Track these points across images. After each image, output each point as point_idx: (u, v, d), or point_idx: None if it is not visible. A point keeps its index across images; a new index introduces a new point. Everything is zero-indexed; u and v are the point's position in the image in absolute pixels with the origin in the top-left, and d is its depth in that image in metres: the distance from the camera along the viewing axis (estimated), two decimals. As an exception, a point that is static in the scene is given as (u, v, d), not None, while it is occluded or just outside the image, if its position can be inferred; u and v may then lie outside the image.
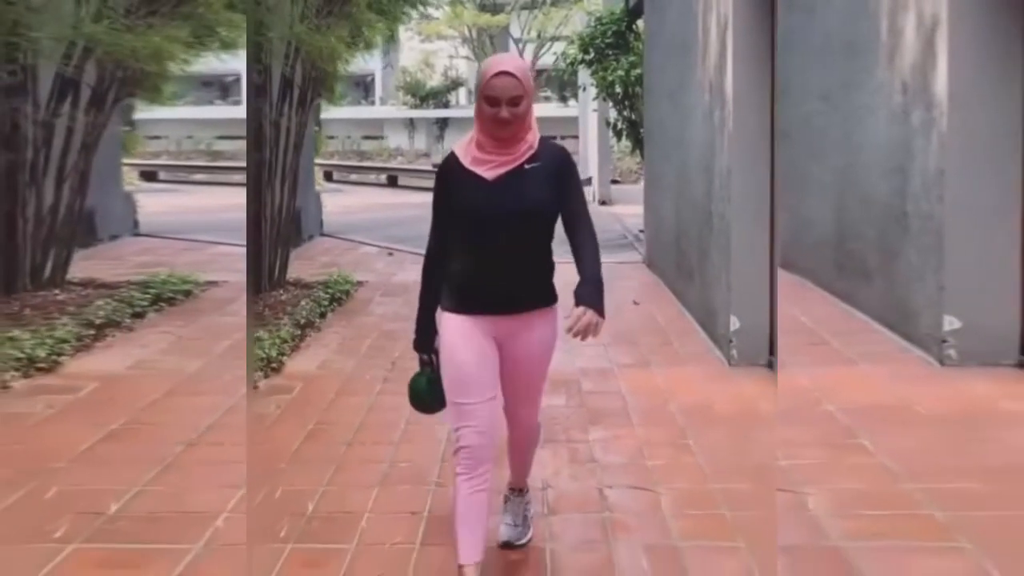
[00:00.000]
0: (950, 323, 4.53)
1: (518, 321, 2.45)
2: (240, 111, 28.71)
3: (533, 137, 2.35)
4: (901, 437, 3.63)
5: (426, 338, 2.50)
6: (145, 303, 6.13)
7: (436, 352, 2.49)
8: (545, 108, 29.87)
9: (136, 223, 10.17)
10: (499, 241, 2.35)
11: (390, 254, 8.93)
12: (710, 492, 3.18)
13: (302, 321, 5.60)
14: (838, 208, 6.12)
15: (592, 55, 9.86)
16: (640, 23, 9.59)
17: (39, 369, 4.67)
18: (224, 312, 6.29)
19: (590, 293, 2.28)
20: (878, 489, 3.14)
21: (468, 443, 2.35)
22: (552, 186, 2.36)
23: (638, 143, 10.13)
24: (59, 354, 4.87)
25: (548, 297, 2.50)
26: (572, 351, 5.13)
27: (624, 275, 7.66)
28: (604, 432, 3.83)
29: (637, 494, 3.18)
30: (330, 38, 6.91)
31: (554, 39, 29.28)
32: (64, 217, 6.82)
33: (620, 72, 9.18)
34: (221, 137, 26.37)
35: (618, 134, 10.49)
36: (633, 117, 9.99)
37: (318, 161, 13.23)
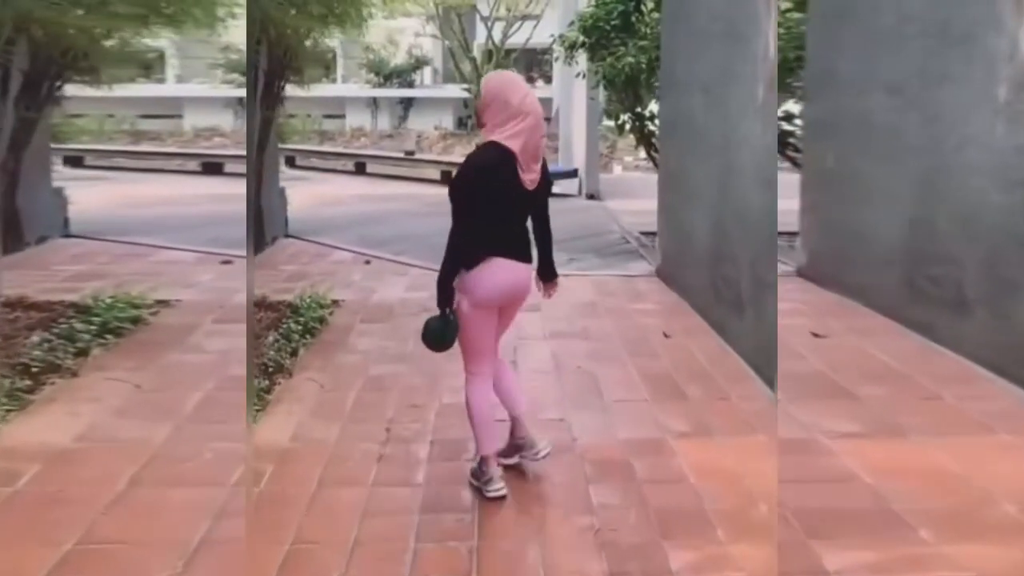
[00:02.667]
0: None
1: None
2: (165, 90, 27.12)
3: (482, 140, 3.13)
4: None
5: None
6: (88, 337, 4.99)
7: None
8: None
9: (67, 222, 8.87)
10: None
11: (367, 262, 7.81)
12: None
13: (270, 366, 4.52)
14: (914, 220, 5.18)
15: (594, 39, 8.78)
16: (648, 2, 8.55)
17: (-34, 439, 3.55)
18: (185, 347, 5.12)
19: None
20: None
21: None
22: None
23: (644, 138, 9.11)
24: (-8, 419, 3.74)
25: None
26: (608, 409, 4.16)
27: (640, 294, 6.67)
28: (687, 554, 2.83)
29: None
30: (303, 15, 5.80)
31: (524, 18, 28.14)
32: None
33: (630, 58, 8.12)
34: (144, 116, 24.77)
35: (620, 127, 9.43)
36: (639, 108, 8.94)
37: (280, 146, 12.01)
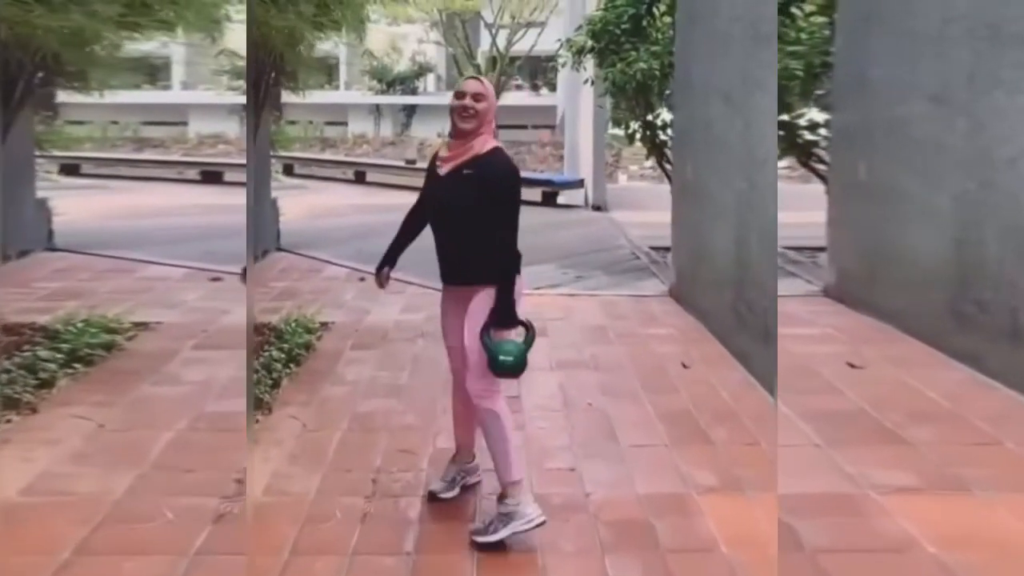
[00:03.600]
0: None
1: (461, 292, 2.99)
2: (168, 96, 26.78)
3: (480, 146, 2.89)
4: None
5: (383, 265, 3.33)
6: (54, 366, 4.53)
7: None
8: (516, 96, 28.39)
9: (51, 234, 8.47)
10: (441, 226, 3.00)
11: (362, 279, 7.35)
12: None
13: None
14: (959, 239, 4.72)
15: (603, 44, 8.34)
16: (660, 5, 8.12)
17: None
18: (159, 378, 4.64)
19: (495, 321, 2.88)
20: None
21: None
22: (475, 192, 2.85)
23: (655, 147, 8.66)
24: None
25: (479, 277, 2.92)
26: (624, 456, 3.70)
27: (653, 317, 6.20)
28: (725, 651, 2.38)
29: None
30: (292, 17, 5.37)
31: (528, 25, 27.82)
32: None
33: (642, 64, 7.68)
34: (150, 123, 24.42)
35: (630, 136, 8.98)
36: (650, 116, 8.49)
37: (276, 154, 11.60)
